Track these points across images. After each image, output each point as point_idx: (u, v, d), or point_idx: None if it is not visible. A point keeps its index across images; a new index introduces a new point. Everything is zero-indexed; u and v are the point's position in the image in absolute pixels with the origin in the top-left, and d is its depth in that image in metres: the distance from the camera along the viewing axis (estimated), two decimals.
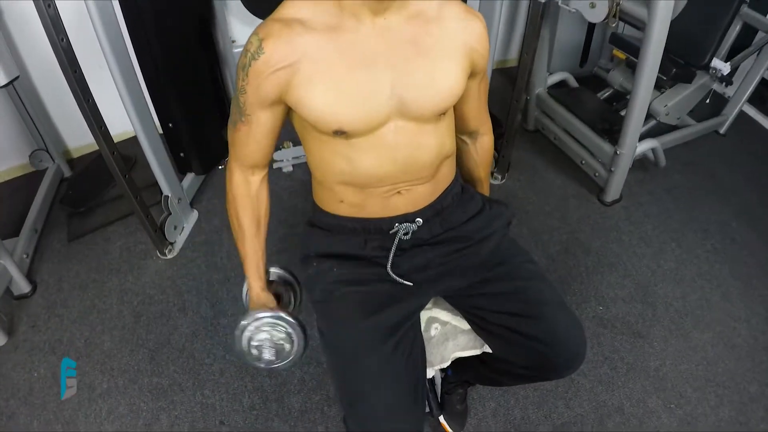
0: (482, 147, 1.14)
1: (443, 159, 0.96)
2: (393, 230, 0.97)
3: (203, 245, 1.98)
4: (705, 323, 1.70)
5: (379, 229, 0.98)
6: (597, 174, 2.07)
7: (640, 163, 2.19)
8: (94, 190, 2.19)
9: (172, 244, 1.93)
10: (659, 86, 2.11)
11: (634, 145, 1.86)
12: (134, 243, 1.99)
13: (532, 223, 2.03)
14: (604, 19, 1.57)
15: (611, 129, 1.96)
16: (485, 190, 1.21)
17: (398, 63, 0.82)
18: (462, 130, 1.09)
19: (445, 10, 0.86)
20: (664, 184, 2.20)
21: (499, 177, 2.20)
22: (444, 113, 0.91)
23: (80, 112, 1.45)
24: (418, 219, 0.98)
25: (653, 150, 2.02)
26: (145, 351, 1.66)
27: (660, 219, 2.05)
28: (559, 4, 1.69)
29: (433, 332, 1.09)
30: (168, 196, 1.88)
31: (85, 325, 1.73)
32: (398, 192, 0.94)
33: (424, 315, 1.11)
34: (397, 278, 0.97)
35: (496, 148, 2.12)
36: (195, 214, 2.09)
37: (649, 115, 2.06)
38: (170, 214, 1.90)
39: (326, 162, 0.92)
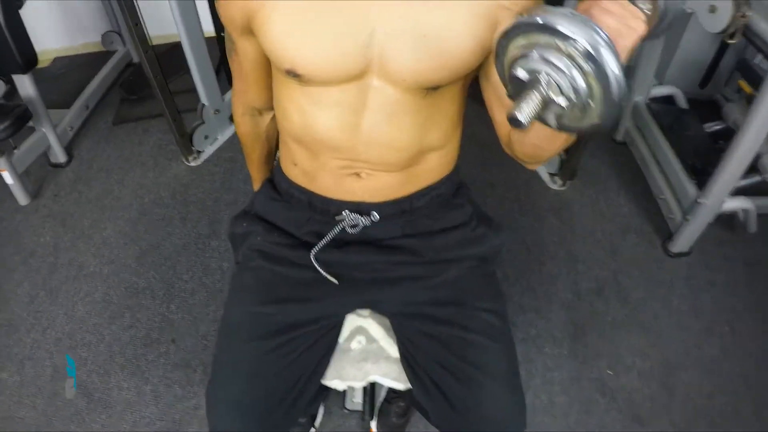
0: None
1: (426, 150, 0.80)
2: (339, 216, 0.84)
3: (228, 162, 2.01)
4: None
5: (325, 210, 0.86)
6: (671, 216, 1.75)
7: (726, 219, 1.80)
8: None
9: (199, 152, 1.98)
10: None
11: (723, 198, 1.53)
12: (167, 142, 2.06)
13: (574, 246, 1.79)
14: (723, 32, 1.25)
15: (703, 170, 1.63)
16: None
17: (389, 2, 0.64)
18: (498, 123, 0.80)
19: None
20: (745, 255, 1.80)
21: (560, 182, 1.95)
22: (436, 88, 0.71)
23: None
24: (374, 213, 0.84)
25: (745, 211, 1.65)
26: (136, 248, 1.75)
27: (724, 292, 1.70)
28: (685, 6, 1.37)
29: (354, 345, 0.96)
30: (204, 105, 1.91)
31: (97, 207, 1.86)
32: (356, 173, 0.80)
33: (353, 321, 0.97)
34: (321, 270, 0.85)
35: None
36: (231, 130, 2.10)
37: (754, 169, 1.67)
38: (203, 122, 1.93)
39: (282, 108, 0.79)
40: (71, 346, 1.53)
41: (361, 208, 0.83)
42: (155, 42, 2.59)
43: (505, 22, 0.54)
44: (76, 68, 2.44)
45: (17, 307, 1.63)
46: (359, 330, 0.95)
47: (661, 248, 1.79)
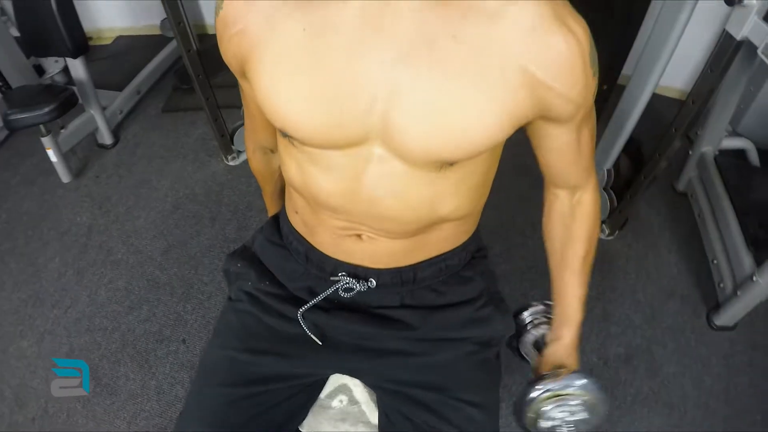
0: (583, 212, 0.76)
1: (438, 222, 0.71)
2: (335, 277, 0.78)
3: None
4: None
5: (321, 267, 0.81)
6: (721, 285, 1.60)
7: None
8: (207, 71, 2.31)
9: (239, 152, 1.99)
10: None
11: None
12: (210, 137, 2.09)
13: (610, 304, 1.67)
14: None
15: (765, 242, 1.48)
16: (571, 299, 0.81)
17: (398, 68, 0.54)
18: (546, 180, 0.77)
19: (512, 8, 0.52)
20: None
21: (607, 231, 1.83)
22: (452, 164, 0.62)
23: None
24: (372, 280, 0.77)
25: None
26: (164, 243, 1.79)
27: (764, 376, 1.53)
28: (759, 53, 1.23)
29: (335, 403, 0.92)
30: None
31: (133, 195, 1.92)
32: (358, 235, 0.73)
33: (339, 378, 0.93)
34: (306, 329, 0.79)
35: (616, 194, 1.75)
36: None
37: None
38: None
39: (282, 159, 0.72)
40: (89, 329, 1.60)
41: (359, 272, 0.77)
42: (211, 32, 2.64)
43: (551, 105, 0.55)
44: (135, 50, 2.53)
45: (46, 282, 1.71)
46: (343, 388, 0.92)
47: (704, 318, 1.64)
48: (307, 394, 0.86)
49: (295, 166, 0.69)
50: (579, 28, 0.54)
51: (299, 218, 0.80)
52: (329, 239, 0.76)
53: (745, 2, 1.18)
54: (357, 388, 0.91)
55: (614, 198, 1.75)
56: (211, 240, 1.80)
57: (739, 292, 1.49)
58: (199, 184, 1.95)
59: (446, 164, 0.61)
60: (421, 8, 0.51)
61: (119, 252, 1.77)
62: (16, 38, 2.02)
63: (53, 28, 1.67)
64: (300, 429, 0.89)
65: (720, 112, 1.73)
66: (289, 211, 0.84)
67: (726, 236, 1.63)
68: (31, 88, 1.82)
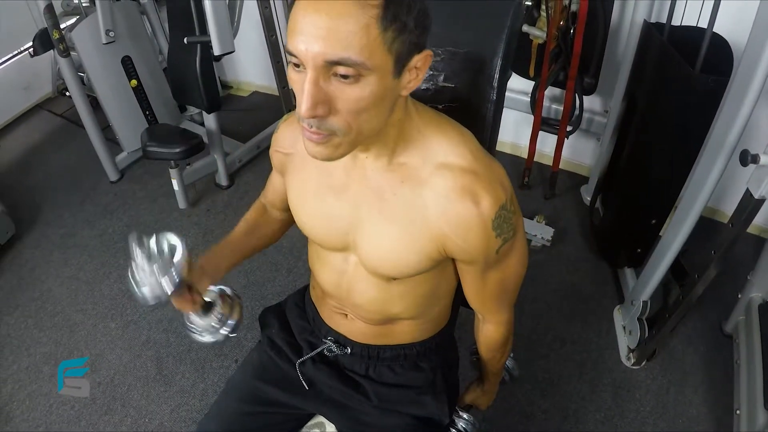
0: (484, 334, 1.02)
1: (395, 318, 0.98)
2: (325, 340, 1.07)
3: None
4: None
5: (319, 330, 1.09)
6: None
7: None
8: None
9: None
10: None
11: None
12: None
13: None
14: None
15: None
16: (487, 374, 1.12)
17: (361, 208, 0.83)
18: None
19: (436, 178, 0.76)
20: None
21: (635, 359, 1.86)
22: (396, 278, 0.88)
23: None
24: (348, 348, 1.05)
25: None
26: (244, 279, 2.20)
27: None
28: None
29: None
30: None
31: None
32: (344, 314, 1.02)
33: (321, 417, 1.19)
34: (300, 375, 1.07)
35: (653, 319, 1.81)
36: None
37: None
38: None
39: (309, 245, 1.03)
40: (166, 329, 2.02)
41: (340, 340, 1.06)
42: None
43: (457, 254, 0.80)
44: (265, 107, 3.08)
45: None
46: (319, 425, 1.19)
47: None
48: (296, 423, 1.15)
49: (311, 256, 1.03)
50: (486, 201, 0.74)
51: (316, 292, 1.11)
52: (327, 312, 1.07)
53: (762, 162, 1.20)
54: (330, 427, 1.17)
55: (645, 329, 1.81)
56: (282, 288, 2.15)
57: None
58: (287, 238, 2.24)
59: (391, 278, 0.88)
60: (377, 171, 0.80)
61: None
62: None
63: (194, 86, 2.19)
64: None
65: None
66: (311, 285, 1.15)
67: (750, 388, 1.64)
68: (171, 128, 2.37)
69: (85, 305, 2.13)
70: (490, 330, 1.00)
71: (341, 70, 0.61)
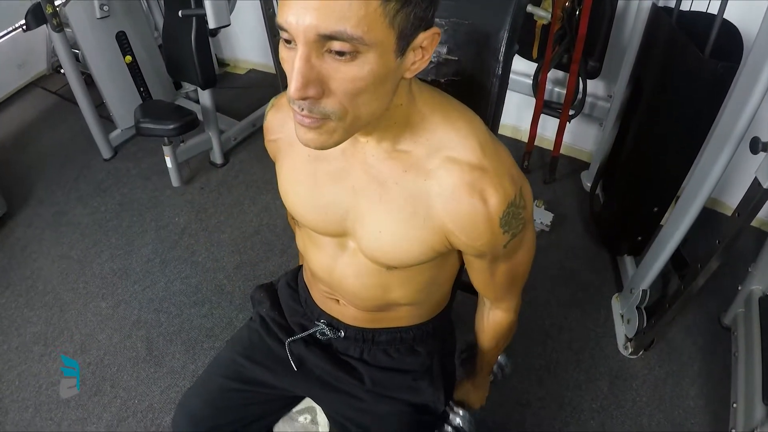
0: (491, 320, 1.00)
1: (393, 304, 0.94)
2: (318, 322, 1.04)
3: None
4: None
5: (311, 313, 1.07)
6: (733, 431, 1.60)
7: None
8: None
9: None
10: None
11: None
12: None
13: (610, 422, 1.68)
14: None
15: None
16: (482, 366, 1.09)
17: (361, 195, 0.78)
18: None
19: (442, 172, 0.72)
20: None
21: (631, 349, 1.85)
22: (396, 267, 0.84)
23: None
24: (341, 331, 1.02)
25: None
26: (238, 259, 2.17)
27: None
28: None
29: (300, 419, 1.16)
30: None
31: (225, 212, 2.34)
32: (336, 299, 0.99)
33: (311, 401, 1.17)
34: (289, 354, 1.04)
35: (654, 313, 1.79)
36: None
37: None
38: None
39: (297, 228, 1.03)
40: (157, 309, 1.99)
41: (333, 323, 1.03)
42: None
43: (462, 247, 0.77)
44: (262, 85, 3.04)
45: (135, 262, 2.17)
46: (310, 410, 1.17)
47: None
48: (282, 404, 1.13)
49: (301, 240, 0.99)
50: (494, 199, 0.70)
51: (307, 274, 1.08)
52: (318, 296, 1.04)
53: None
54: (321, 414, 1.15)
55: (644, 318, 1.80)
56: (276, 268, 2.13)
57: None
58: (282, 219, 2.31)
59: (391, 266, 0.84)
60: (378, 157, 0.75)
61: (200, 255, 2.17)
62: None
63: (190, 62, 2.15)
64: (273, 429, 1.14)
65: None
66: (304, 267, 1.12)
67: (749, 381, 1.63)
68: (164, 104, 2.33)
69: (76, 284, 2.11)
70: (498, 316, 0.98)
71: (336, 45, 0.55)
